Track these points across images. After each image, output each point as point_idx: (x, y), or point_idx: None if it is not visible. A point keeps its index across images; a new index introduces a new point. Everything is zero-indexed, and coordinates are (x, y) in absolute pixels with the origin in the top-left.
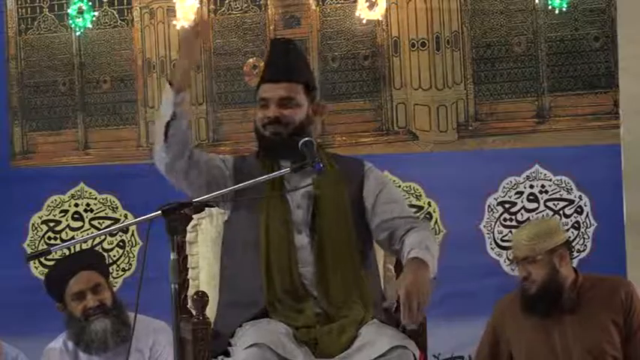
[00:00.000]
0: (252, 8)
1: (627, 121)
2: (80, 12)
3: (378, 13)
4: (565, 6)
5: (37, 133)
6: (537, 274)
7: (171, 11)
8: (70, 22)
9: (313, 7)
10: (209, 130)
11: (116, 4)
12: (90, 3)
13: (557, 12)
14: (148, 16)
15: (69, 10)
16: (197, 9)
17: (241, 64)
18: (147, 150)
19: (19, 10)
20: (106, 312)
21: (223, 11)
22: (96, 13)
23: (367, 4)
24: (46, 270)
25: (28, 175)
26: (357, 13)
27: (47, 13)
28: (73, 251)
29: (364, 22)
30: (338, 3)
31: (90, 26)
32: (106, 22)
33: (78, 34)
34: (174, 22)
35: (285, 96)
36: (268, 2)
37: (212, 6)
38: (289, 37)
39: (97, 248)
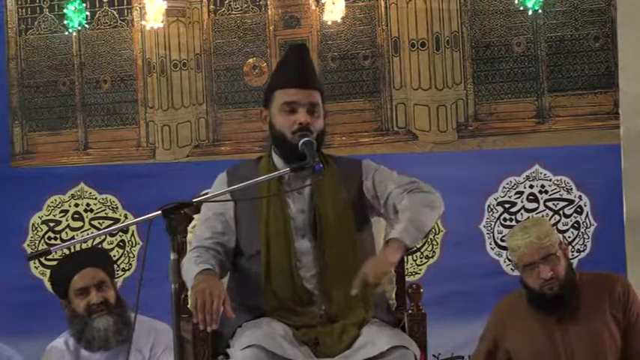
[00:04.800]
0: (252, 8)
1: (627, 121)
2: (74, 11)
3: (337, 15)
4: (538, 8)
5: (37, 134)
6: (560, 271)
7: (171, 11)
8: (67, 21)
9: (313, 7)
10: (209, 130)
11: (116, 4)
12: (84, 4)
13: (556, 12)
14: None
15: (65, 10)
16: (165, 10)
17: (241, 64)
18: (147, 150)
19: (19, 10)
20: (109, 310)
21: (223, 11)
22: (87, 13)
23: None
24: (47, 270)
25: (28, 175)
26: (324, 17)
27: (47, 13)
28: (78, 249)
29: (329, 23)
30: None
31: (86, 26)
32: (106, 22)
33: (73, 33)
34: (143, 23)
35: (315, 102)
36: (268, 2)
37: (212, 6)
38: (302, 42)
39: None
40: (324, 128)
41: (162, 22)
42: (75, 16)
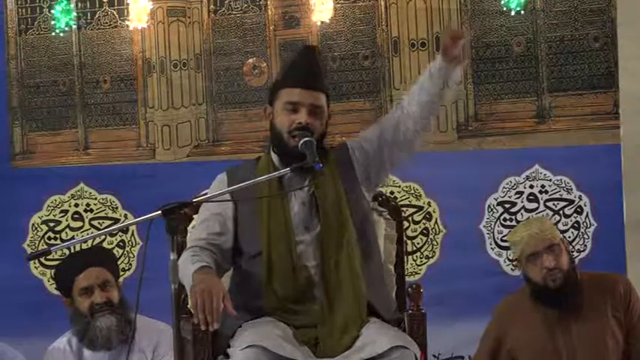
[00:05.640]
0: (252, 8)
1: (627, 121)
2: (61, 12)
3: (325, 15)
4: (520, 8)
5: (37, 134)
6: (563, 262)
7: (171, 11)
8: (54, 22)
9: (313, 7)
10: (209, 130)
11: (116, 4)
12: (71, 5)
13: (556, 12)
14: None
15: (53, 11)
16: (150, 10)
17: (241, 64)
18: (147, 150)
19: (19, 10)
20: (112, 309)
21: (223, 11)
22: (74, 14)
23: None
24: (47, 270)
25: (28, 175)
26: (313, 18)
27: (47, 13)
28: (83, 248)
29: (319, 24)
30: (338, 3)
31: (73, 27)
32: (106, 22)
33: (73, 33)
34: (126, 23)
35: (318, 104)
36: (268, 2)
37: (212, 6)
38: (315, 45)
39: None
40: (325, 130)
41: (146, 22)
42: (62, 17)
